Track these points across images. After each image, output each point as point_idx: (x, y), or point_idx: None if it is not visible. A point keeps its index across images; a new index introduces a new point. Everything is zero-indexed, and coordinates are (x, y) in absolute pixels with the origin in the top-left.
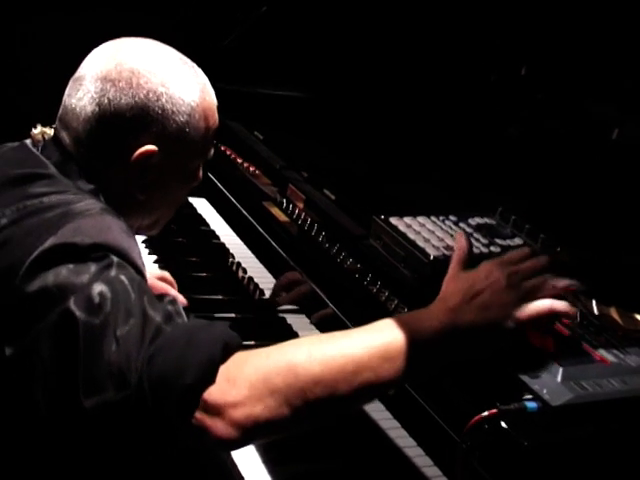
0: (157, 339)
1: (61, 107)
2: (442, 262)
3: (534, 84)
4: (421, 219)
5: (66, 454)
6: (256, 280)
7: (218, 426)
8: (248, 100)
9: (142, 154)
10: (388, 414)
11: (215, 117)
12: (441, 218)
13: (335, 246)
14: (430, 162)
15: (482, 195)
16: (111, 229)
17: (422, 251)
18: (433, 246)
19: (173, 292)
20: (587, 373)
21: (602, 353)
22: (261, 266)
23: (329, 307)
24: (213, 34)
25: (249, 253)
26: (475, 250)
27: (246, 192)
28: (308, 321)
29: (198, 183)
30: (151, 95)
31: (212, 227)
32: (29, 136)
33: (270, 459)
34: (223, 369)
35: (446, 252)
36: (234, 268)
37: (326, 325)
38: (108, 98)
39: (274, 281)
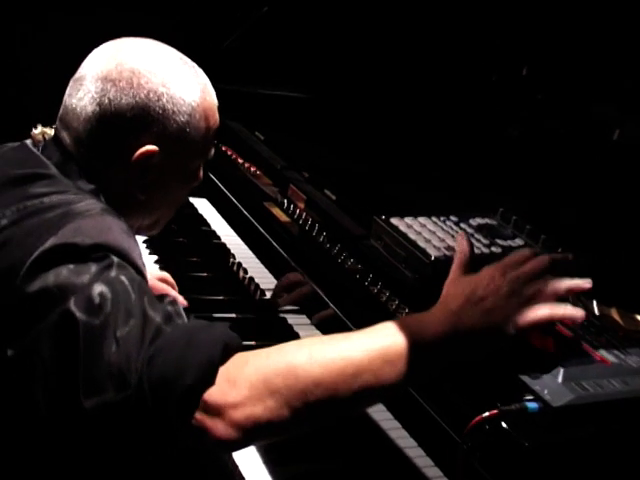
0: (157, 340)
1: (61, 107)
2: (443, 263)
3: (535, 84)
4: (422, 219)
5: (66, 454)
6: (257, 280)
7: (218, 427)
8: (249, 100)
9: (143, 154)
10: (389, 415)
11: (216, 117)
12: (442, 218)
13: (336, 246)
14: (431, 162)
15: (483, 195)
16: (112, 229)
17: (423, 251)
18: (434, 246)
19: (173, 293)
20: (588, 374)
21: (603, 354)
22: (262, 266)
23: (330, 307)
24: (214, 34)
25: (250, 253)
26: (476, 251)
27: (247, 192)
28: (309, 321)
29: (198, 183)
30: (152, 95)
31: (213, 227)
32: (29, 136)
33: (271, 459)
34: (223, 370)
35: (447, 253)
36: (235, 268)
37: (327, 326)
38: (109, 98)
39: (275, 281)
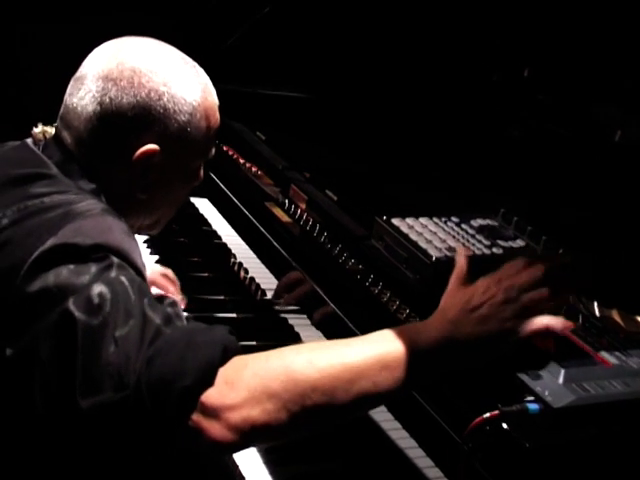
0: (156, 341)
1: (62, 106)
2: (444, 263)
3: (536, 85)
4: (423, 220)
5: (64, 454)
6: (258, 280)
7: (215, 428)
8: (251, 101)
9: (144, 153)
10: (389, 415)
11: (216, 117)
12: (443, 219)
13: (337, 247)
14: (433, 163)
15: (484, 196)
16: (112, 230)
17: (424, 252)
18: (435, 247)
19: (172, 290)
20: (589, 375)
21: (604, 355)
22: (263, 266)
23: (331, 308)
24: (214, 34)
25: (251, 253)
26: (477, 251)
27: (248, 192)
28: (309, 322)
29: (199, 183)
30: (153, 94)
31: (214, 227)
32: (30, 135)
33: (271, 460)
34: (222, 372)
35: (448, 253)
36: (236, 268)
37: (327, 326)
38: (110, 97)
39: (276, 282)
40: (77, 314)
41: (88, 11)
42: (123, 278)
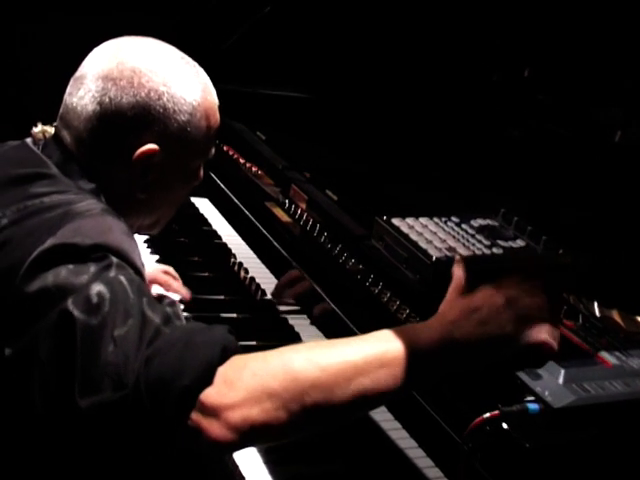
0: (155, 341)
1: (62, 106)
2: (444, 263)
3: (536, 85)
4: (423, 220)
5: (64, 454)
6: (258, 280)
7: (214, 428)
8: (251, 100)
9: (144, 153)
10: (389, 415)
11: (216, 117)
12: (443, 219)
13: (337, 247)
14: (433, 163)
15: (484, 196)
16: (112, 230)
17: (424, 252)
18: (435, 247)
19: (175, 285)
20: (589, 375)
21: (604, 355)
22: (263, 266)
23: (331, 308)
24: (215, 34)
25: (251, 253)
26: (477, 252)
27: (248, 192)
28: (309, 321)
29: (199, 183)
30: (152, 94)
31: (214, 227)
32: (30, 135)
33: (271, 460)
34: (221, 371)
35: (448, 253)
36: (236, 268)
37: (328, 326)
38: (109, 97)
39: (276, 281)
40: (76, 314)
41: (88, 11)
42: (122, 278)
